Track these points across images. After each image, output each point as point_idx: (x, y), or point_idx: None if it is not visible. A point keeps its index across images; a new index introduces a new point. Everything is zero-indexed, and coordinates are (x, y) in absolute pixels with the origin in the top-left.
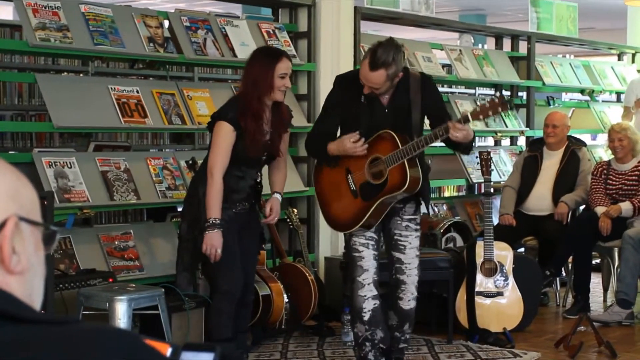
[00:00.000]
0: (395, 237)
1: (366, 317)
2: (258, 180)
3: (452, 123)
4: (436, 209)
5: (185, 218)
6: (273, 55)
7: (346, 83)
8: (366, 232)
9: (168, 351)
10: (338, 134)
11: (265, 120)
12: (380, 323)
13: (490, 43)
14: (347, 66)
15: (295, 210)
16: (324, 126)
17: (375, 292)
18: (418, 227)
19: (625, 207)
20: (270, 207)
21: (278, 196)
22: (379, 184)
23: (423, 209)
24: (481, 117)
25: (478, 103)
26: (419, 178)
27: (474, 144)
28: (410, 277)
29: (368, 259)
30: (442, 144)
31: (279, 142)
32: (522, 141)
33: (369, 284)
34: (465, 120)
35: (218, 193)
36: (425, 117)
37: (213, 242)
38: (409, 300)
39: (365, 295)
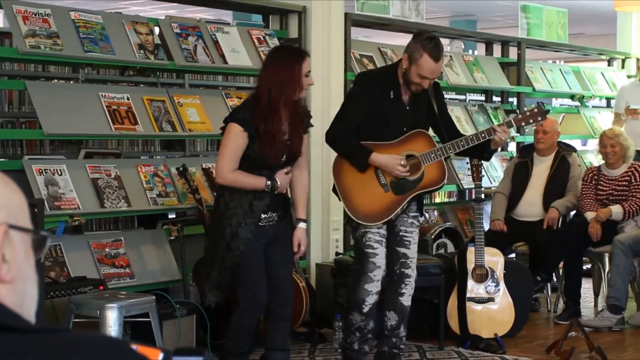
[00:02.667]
0: (401, 233)
1: (366, 309)
2: None
3: (501, 126)
4: (427, 215)
5: (209, 234)
6: (297, 55)
7: (374, 80)
8: (381, 229)
9: (159, 357)
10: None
11: (284, 119)
12: (374, 315)
13: (480, 49)
14: (338, 72)
15: None
16: (351, 119)
17: (379, 289)
18: (419, 224)
19: (615, 210)
20: (299, 241)
21: (303, 225)
22: (414, 180)
23: None
24: (523, 124)
25: (469, 109)
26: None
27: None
28: (414, 271)
29: (381, 256)
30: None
31: (299, 142)
32: (512, 147)
33: (377, 280)
34: (509, 125)
35: (242, 176)
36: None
37: (285, 182)
38: (409, 295)
39: (371, 291)
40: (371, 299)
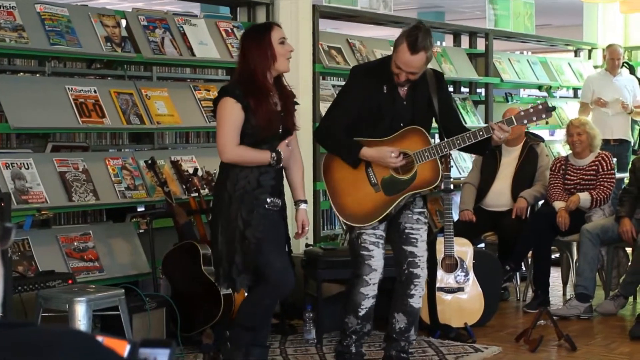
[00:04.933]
0: (407, 230)
1: (362, 312)
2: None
3: (498, 124)
4: None
5: (219, 222)
6: (263, 27)
7: (367, 73)
8: (377, 230)
9: (126, 349)
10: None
11: (273, 92)
12: (372, 318)
13: (448, 40)
14: (306, 64)
15: None
16: (341, 115)
17: (376, 292)
18: (427, 220)
19: (584, 197)
20: (302, 223)
21: (305, 207)
22: (406, 179)
23: None
24: (525, 121)
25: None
26: (443, 175)
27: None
28: (424, 270)
29: (378, 258)
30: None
31: (292, 117)
32: None
33: (374, 284)
34: (509, 123)
35: (247, 151)
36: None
37: (287, 154)
38: (419, 297)
39: (367, 294)
40: (368, 303)
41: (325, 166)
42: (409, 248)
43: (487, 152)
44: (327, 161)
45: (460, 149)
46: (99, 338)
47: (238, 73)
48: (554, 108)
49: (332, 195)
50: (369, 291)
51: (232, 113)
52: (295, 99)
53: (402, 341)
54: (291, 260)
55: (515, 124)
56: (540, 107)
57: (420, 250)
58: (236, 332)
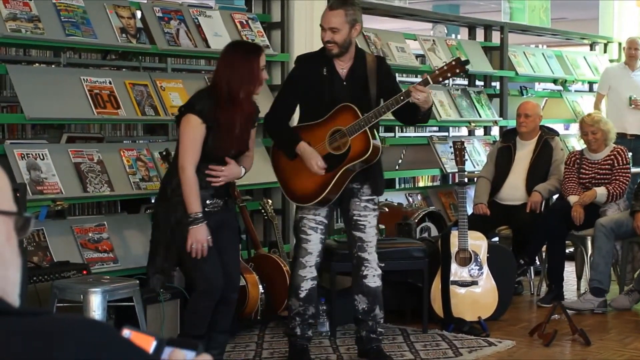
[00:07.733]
0: (355, 217)
1: (302, 294)
2: None
3: (414, 86)
4: (411, 199)
5: (156, 219)
6: (254, 50)
7: (307, 59)
8: (317, 215)
9: (152, 345)
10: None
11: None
12: (314, 301)
13: (463, 33)
14: None
15: (270, 201)
16: (284, 105)
17: (315, 274)
18: (376, 207)
19: (600, 191)
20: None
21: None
22: (341, 154)
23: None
24: (440, 79)
25: (452, 93)
26: (379, 147)
27: (431, 113)
28: (372, 254)
29: (314, 243)
30: (413, 135)
31: (247, 136)
32: (495, 131)
33: (310, 266)
34: (425, 82)
35: (194, 187)
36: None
37: (198, 236)
38: (373, 276)
39: (305, 276)
40: (307, 285)
41: (272, 153)
42: (358, 234)
43: (425, 119)
44: (273, 149)
45: (400, 120)
46: (126, 331)
47: (215, 87)
48: (467, 62)
49: (281, 181)
50: (307, 273)
51: (195, 131)
52: (258, 115)
53: (369, 321)
54: (235, 261)
55: (432, 82)
56: (453, 63)
57: (369, 235)
58: None
